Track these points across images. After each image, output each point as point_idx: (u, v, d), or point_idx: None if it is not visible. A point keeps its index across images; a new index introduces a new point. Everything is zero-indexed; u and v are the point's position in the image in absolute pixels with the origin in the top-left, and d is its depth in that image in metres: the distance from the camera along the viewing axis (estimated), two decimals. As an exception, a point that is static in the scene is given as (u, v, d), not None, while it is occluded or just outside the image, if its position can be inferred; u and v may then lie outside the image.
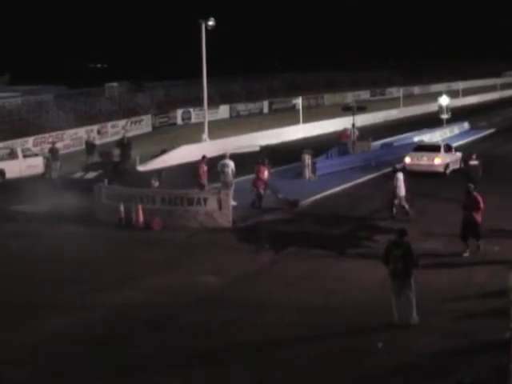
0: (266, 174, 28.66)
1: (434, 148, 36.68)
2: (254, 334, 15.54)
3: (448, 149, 36.83)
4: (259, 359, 14.38)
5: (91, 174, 31.37)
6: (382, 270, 16.58)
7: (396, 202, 26.09)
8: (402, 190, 26.08)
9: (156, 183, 30.14)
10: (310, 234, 24.15)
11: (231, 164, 29.07)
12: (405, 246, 16.03)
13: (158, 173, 33.31)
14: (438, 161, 35.22)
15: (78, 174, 32.34)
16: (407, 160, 35.56)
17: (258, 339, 15.26)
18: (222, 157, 30.09)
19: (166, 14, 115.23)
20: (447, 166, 35.64)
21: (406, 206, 26.09)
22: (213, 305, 17.47)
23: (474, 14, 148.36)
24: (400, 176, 26.36)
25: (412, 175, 30.88)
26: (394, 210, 26.11)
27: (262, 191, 28.23)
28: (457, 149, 38.67)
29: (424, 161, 35.44)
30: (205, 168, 29.22)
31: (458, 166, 35.90)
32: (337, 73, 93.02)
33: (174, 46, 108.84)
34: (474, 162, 30.87)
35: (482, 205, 21.11)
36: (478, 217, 21.12)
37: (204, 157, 29.89)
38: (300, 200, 28.65)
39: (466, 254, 20.83)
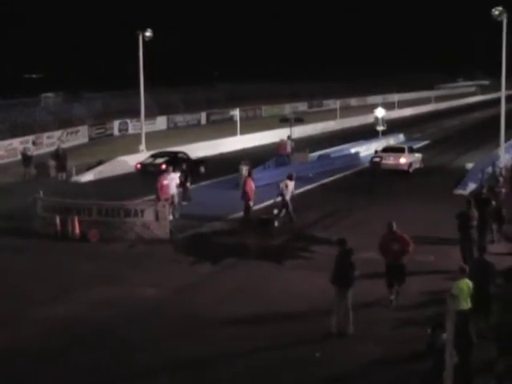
0: (252, 186, 28.13)
1: (399, 149, 42.11)
2: (195, 347, 15.45)
3: (411, 150, 42.29)
4: (202, 372, 14.34)
5: (160, 160, 38.07)
6: (319, 279, 16.73)
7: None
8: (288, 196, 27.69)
9: (202, 169, 39.28)
10: (248, 245, 24.17)
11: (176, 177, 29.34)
12: (347, 255, 16.23)
13: (203, 162, 40.66)
14: (403, 160, 40.08)
15: (148, 160, 39.12)
16: (376, 160, 40.15)
17: (200, 352, 15.18)
18: (166, 171, 30.03)
19: (105, 24, 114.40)
20: (410, 164, 40.54)
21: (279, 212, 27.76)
22: (153, 318, 17.36)
23: (409, 29, 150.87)
24: (289, 183, 27.98)
25: (381, 174, 37.97)
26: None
27: (251, 203, 27.90)
28: (417, 150, 44.40)
29: (391, 160, 40.20)
30: (165, 181, 28.70)
31: (418, 166, 41.48)
32: (275, 84, 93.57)
33: (112, 56, 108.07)
34: (376, 159, 38.38)
35: (410, 246, 17.92)
36: (405, 258, 17.94)
37: (165, 170, 29.66)
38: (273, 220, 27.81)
39: (393, 297, 17.94)
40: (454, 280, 15.03)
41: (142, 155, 42.79)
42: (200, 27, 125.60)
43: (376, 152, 39.84)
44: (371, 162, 38.83)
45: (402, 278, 17.95)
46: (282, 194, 27.72)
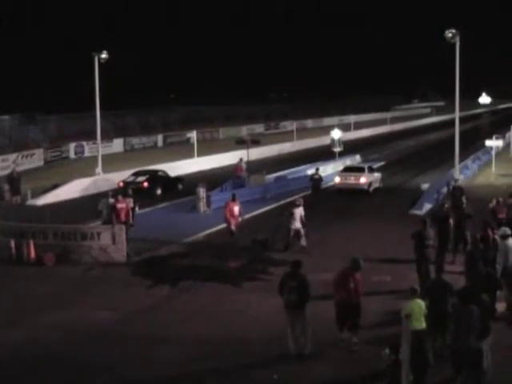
0: (236, 210, 27.37)
1: (359, 169, 42.83)
2: (151, 370, 15.36)
3: (371, 170, 42.84)
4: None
5: (141, 178, 40.04)
6: (277, 301, 16.68)
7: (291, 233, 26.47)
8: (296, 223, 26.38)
9: (180, 187, 41.56)
10: (205, 268, 24.11)
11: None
12: (300, 277, 16.18)
13: (180, 180, 42.92)
14: (363, 180, 40.67)
15: (130, 178, 40.17)
16: (337, 179, 41.37)
17: (157, 375, 15.11)
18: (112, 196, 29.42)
19: (59, 46, 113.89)
20: (370, 184, 41.18)
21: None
22: (109, 341, 17.22)
23: (366, 52, 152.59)
24: (295, 210, 26.70)
25: (340, 193, 39.41)
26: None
27: (233, 228, 27.08)
28: (377, 170, 45.04)
29: (351, 180, 40.90)
30: (122, 205, 27.68)
31: (378, 185, 42.23)
32: (232, 106, 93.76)
33: (67, 78, 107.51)
34: (316, 176, 38.54)
35: (362, 285, 16.74)
36: (360, 296, 16.53)
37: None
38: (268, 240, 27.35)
39: (345, 335, 16.64)
40: (406, 300, 15.15)
41: (100, 178, 42.70)
42: (156, 49, 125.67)
43: (317, 170, 39.87)
44: (311, 179, 38.64)
45: (357, 321, 16.41)
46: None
